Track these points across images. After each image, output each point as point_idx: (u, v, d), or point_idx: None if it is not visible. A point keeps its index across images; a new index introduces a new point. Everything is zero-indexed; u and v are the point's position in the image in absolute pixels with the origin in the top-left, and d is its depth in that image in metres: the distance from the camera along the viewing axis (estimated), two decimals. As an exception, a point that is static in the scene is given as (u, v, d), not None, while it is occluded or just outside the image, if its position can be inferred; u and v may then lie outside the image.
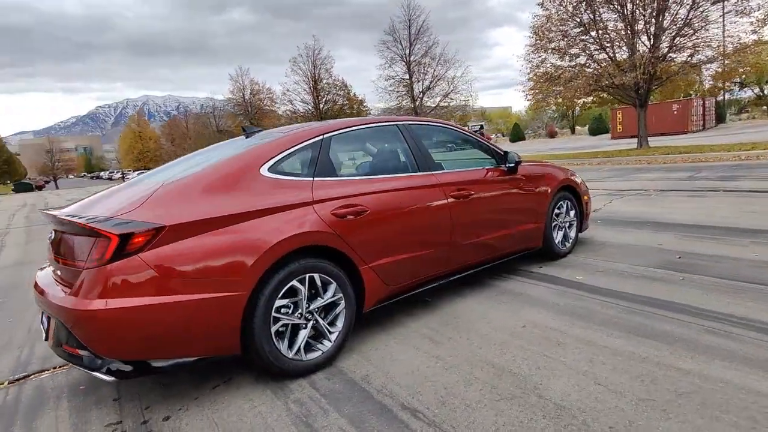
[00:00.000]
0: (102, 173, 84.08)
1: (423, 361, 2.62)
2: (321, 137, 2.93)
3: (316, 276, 2.58)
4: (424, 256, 3.18)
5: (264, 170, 2.60)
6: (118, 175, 45.65)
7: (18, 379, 2.87)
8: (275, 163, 2.66)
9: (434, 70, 24.85)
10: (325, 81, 34.87)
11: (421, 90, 25.37)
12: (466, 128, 4.04)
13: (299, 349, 2.53)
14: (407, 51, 25.20)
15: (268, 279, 2.38)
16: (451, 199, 3.33)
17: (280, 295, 2.43)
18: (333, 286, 2.66)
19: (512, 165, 3.80)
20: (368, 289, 2.84)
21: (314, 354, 2.59)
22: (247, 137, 3.14)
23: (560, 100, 18.46)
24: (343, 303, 2.71)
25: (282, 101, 37.39)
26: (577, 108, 33.88)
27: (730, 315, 2.83)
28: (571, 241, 4.52)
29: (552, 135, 54.24)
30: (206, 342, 2.25)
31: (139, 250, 2.10)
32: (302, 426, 2.09)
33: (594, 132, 41.49)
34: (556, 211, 4.33)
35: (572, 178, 4.53)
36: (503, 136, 68.45)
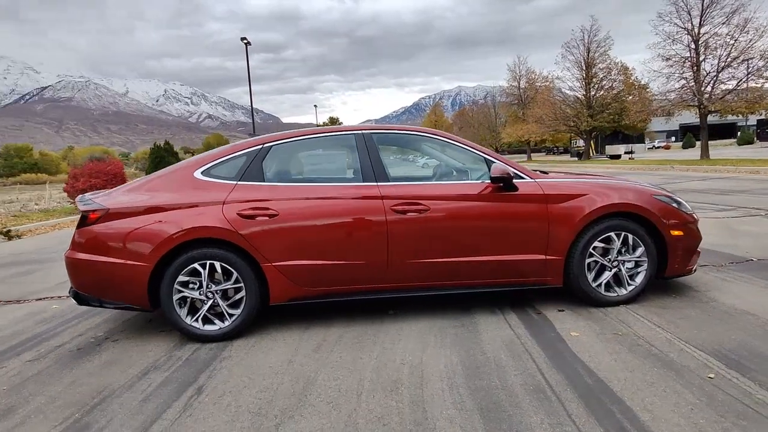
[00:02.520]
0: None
1: (276, 361, 2.83)
2: (260, 147, 3.35)
3: (217, 263, 3.10)
4: (350, 266, 3.19)
5: (197, 174, 3.26)
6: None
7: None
8: (208, 168, 3.28)
9: (736, 43, 18.32)
10: (599, 65, 31.02)
11: (714, 69, 19.28)
12: (454, 136, 3.56)
13: (197, 319, 3.13)
14: (696, 22, 19.47)
15: (172, 258, 3.07)
16: (392, 213, 3.17)
17: (182, 273, 3.08)
18: (235, 275, 3.12)
19: (495, 178, 3.18)
20: (272, 285, 3.15)
21: (212, 327, 3.14)
22: None
23: None
24: (244, 292, 3.13)
25: (554, 89, 35.54)
26: None
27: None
28: (632, 287, 3.37)
29: None
30: (126, 294, 3.13)
31: (93, 222, 3.13)
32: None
33: None
34: (598, 244, 3.31)
35: (638, 202, 3.31)
36: None
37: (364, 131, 3.42)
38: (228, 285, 3.13)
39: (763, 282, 3.71)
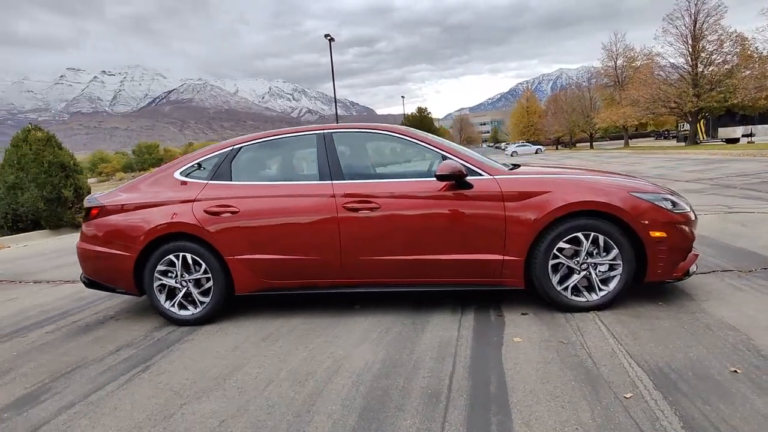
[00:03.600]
0: (501, 144, 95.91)
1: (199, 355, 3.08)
2: (231, 148, 3.61)
3: (189, 256, 3.43)
4: (306, 261, 3.33)
5: (177, 174, 3.60)
6: (512, 147, 51.22)
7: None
8: (186, 168, 3.61)
9: None
10: (708, 38, 26.98)
11: None
12: (413, 132, 3.47)
13: (174, 304, 3.50)
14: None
15: (152, 249, 3.45)
16: (344, 211, 3.24)
17: (161, 263, 3.46)
18: (204, 267, 3.43)
19: (441, 175, 3.09)
20: (236, 276, 3.41)
21: (186, 312, 3.49)
22: None
23: None
24: (211, 282, 3.43)
25: (656, 66, 31.83)
26: None
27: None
28: (604, 293, 3.10)
29: None
30: (118, 280, 3.59)
31: (94, 217, 3.63)
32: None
33: None
34: (564, 245, 3.08)
35: (605, 200, 3.00)
36: None
37: (324, 131, 3.52)
38: (198, 275, 3.45)
39: (785, 293, 3.17)
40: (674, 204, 3.15)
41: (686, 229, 3.10)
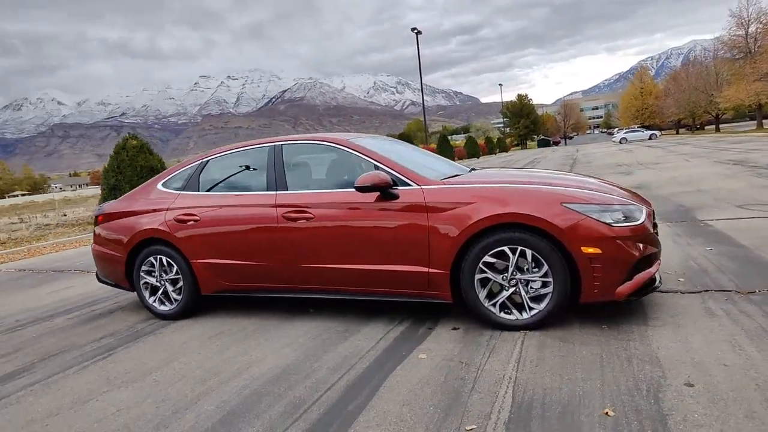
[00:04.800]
0: (613, 130, 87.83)
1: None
2: (201, 161, 3.96)
3: (164, 258, 3.86)
4: (260, 267, 3.56)
5: (159, 185, 4.05)
6: (621, 134, 46.47)
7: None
8: (166, 180, 4.04)
9: None
10: None
11: None
12: (355, 143, 3.44)
13: (155, 301, 3.96)
14: None
15: (137, 251, 3.95)
16: (283, 221, 3.41)
17: (144, 263, 3.94)
18: (175, 268, 3.84)
19: (360, 187, 3.08)
20: (200, 278, 3.76)
21: (164, 307, 3.93)
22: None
23: None
24: (182, 283, 3.83)
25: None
26: None
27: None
28: (534, 312, 2.88)
29: None
30: (115, 277, 4.15)
31: (99, 223, 4.24)
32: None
33: None
34: (490, 259, 2.91)
35: (530, 212, 2.77)
36: None
37: (275, 143, 3.70)
38: (173, 276, 3.87)
39: (751, 326, 2.65)
40: (625, 216, 2.80)
41: (630, 245, 2.74)
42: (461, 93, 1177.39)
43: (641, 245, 2.79)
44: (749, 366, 2.21)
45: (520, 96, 78.32)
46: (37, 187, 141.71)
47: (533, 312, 2.88)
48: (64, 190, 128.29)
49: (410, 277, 3.12)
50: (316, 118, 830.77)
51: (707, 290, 3.26)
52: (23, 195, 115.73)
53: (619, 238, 2.72)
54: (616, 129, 77.27)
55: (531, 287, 2.88)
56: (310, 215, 3.34)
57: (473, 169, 4.03)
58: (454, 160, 39.47)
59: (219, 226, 3.66)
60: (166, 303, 3.94)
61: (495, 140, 64.39)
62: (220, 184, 3.86)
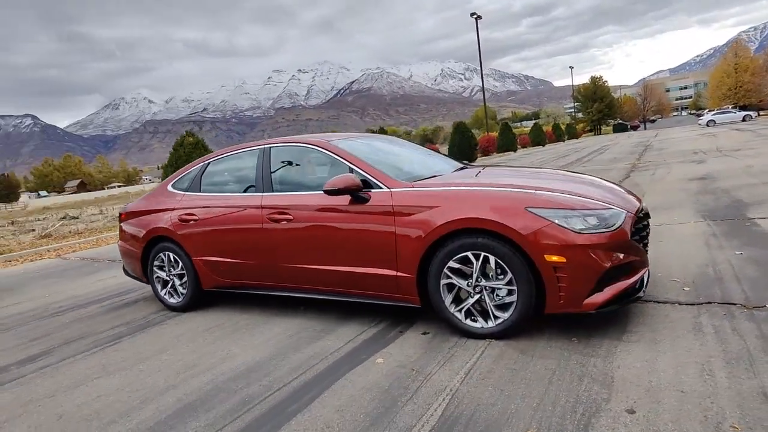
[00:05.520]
0: (702, 111, 79.86)
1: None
2: (203, 163, 4.17)
3: (171, 254, 4.15)
4: (250, 265, 3.72)
5: (169, 186, 4.33)
6: (709, 116, 42.17)
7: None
8: (175, 181, 4.31)
9: None
10: None
11: None
12: (336, 147, 3.43)
13: (166, 293, 4.27)
14: None
15: (150, 247, 4.28)
16: (268, 222, 3.53)
17: (156, 259, 4.26)
18: (180, 264, 4.11)
19: (328, 190, 3.10)
20: (200, 274, 4.00)
21: (173, 300, 4.23)
22: None
23: None
24: (186, 278, 4.10)
25: None
26: None
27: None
28: (499, 321, 2.76)
29: None
30: (135, 270, 4.52)
31: (122, 221, 4.62)
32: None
33: None
34: (455, 264, 2.83)
35: (489, 216, 2.64)
36: None
37: (265, 146, 3.81)
38: (178, 271, 4.15)
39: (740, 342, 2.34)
40: (599, 222, 2.60)
41: (600, 254, 2.53)
42: (532, 77, 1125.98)
43: (615, 254, 2.58)
44: (708, 395, 1.99)
45: (593, 78, 73.38)
46: (130, 179, 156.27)
47: (498, 321, 2.77)
48: (153, 182, 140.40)
49: (381, 280, 3.12)
50: (383, 108, 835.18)
51: (709, 302, 2.94)
52: (119, 186, 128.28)
53: (587, 246, 2.53)
54: (706, 110, 70.16)
55: (497, 295, 2.77)
56: (290, 217, 3.43)
57: (463, 168, 3.89)
58: (516, 148, 38.07)
59: (214, 225, 3.86)
60: (175, 296, 4.24)
61: (564, 126, 60.87)
62: (217, 185, 4.06)
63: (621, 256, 2.60)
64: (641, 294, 2.72)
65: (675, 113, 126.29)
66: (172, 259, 4.16)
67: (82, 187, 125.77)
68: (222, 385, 2.70)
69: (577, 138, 59.52)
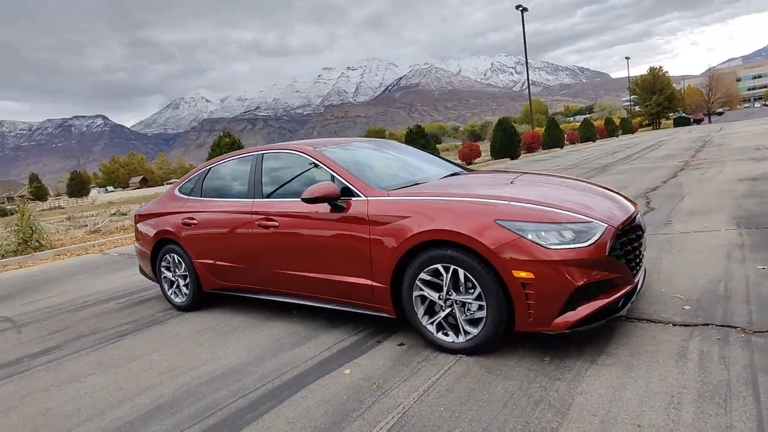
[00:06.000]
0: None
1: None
2: (205, 168, 4.30)
3: (175, 256, 4.32)
4: (245, 269, 3.81)
5: (176, 190, 4.50)
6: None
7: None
8: (181, 186, 4.47)
9: None
10: None
11: None
12: (321, 155, 3.41)
13: (171, 293, 4.45)
14: None
15: (158, 249, 4.48)
16: (257, 228, 3.59)
17: (162, 259, 4.45)
18: (183, 266, 4.27)
19: (306, 198, 3.09)
20: (200, 276, 4.13)
21: (178, 300, 4.41)
22: None
23: None
24: (189, 279, 4.25)
25: None
26: None
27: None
28: (469, 336, 2.67)
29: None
30: (148, 269, 4.74)
31: (137, 222, 4.86)
32: (127, 323, 4.29)
33: None
34: (426, 276, 2.76)
35: (456, 229, 2.55)
36: None
37: (258, 152, 3.88)
38: (181, 272, 4.31)
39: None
40: (575, 236, 2.44)
41: (571, 270, 2.38)
42: (588, 69, 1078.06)
43: (589, 271, 2.41)
44: (665, 431, 1.82)
45: (652, 69, 69.09)
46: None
47: (469, 336, 2.67)
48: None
49: (358, 289, 3.09)
50: (431, 104, 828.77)
51: (706, 324, 2.69)
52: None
53: (557, 262, 2.39)
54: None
55: (468, 309, 2.67)
56: (276, 223, 3.47)
57: (454, 174, 3.76)
58: (563, 145, 36.52)
59: (211, 229, 3.98)
60: (180, 296, 4.41)
61: (618, 121, 57.77)
62: (216, 191, 4.18)
63: (596, 273, 2.43)
64: (622, 313, 2.54)
65: (746, 104, 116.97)
66: (177, 261, 4.33)
67: (144, 183, 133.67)
68: (195, 389, 2.78)
69: (632, 133, 56.30)
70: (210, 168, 4.34)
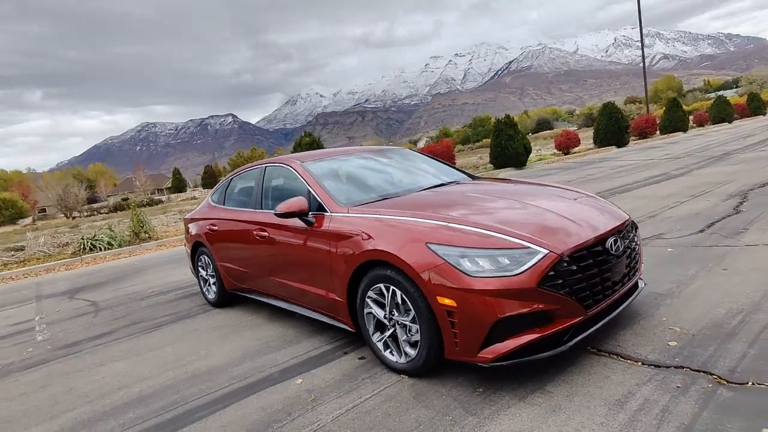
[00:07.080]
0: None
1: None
2: (228, 178, 4.68)
3: (206, 257, 4.81)
4: (251, 274, 4.14)
5: (209, 198, 4.98)
6: None
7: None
8: (212, 194, 4.93)
9: None
10: None
11: None
12: (303, 169, 3.50)
13: (203, 290, 4.97)
14: None
15: (195, 250, 5.02)
16: (255, 236, 3.87)
17: (199, 261, 4.99)
18: (211, 267, 4.74)
19: (278, 213, 3.24)
20: (223, 277, 4.56)
21: (210, 296, 4.91)
22: None
23: None
24: (214, 278, 4.71)
25: None
26: None
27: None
28: (409, 359, 2.64)
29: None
30: (191, 267, 5.33)
31: (186, 224, 5.48)
32: (169, 315, 4.91)
33: None
34: (373, 295, 2.77)
35: (389, 249, 2.55)
36: None
37: (263, 165, 4.15)
38: (210, 271, 4.80)
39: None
40: (501, 263, 2.28)
41: (492, 301, 2.22)
42: (737, 35, 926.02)
43: (516, 301, 2.23)
44: (534, 489, 1.66)
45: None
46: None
47: (408, 358, 2.64)
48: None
49: (324, 300, 3.21)
50: (545, 87, 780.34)
51: (680, 367, 2.32)
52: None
53: (478, 291, 2.25)
54: None
55: (409, 331, 2.64)
56: (266, 234, 3.71)
57: (441, 185, 3.62)
58: (687, 128, 31.65)
59: (227, 236, 4.38)
60: (210, 293, 4.92)
61: (766, 96, 48.68)
62: (233, 200, 4.55)
63: (526, 303, 2.24)
64: (563, 348, 2.31)
65: None
66: (207, 262, 4.83)
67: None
68: (176, 384, 3.14)
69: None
70: (231, 178, 4.74)
